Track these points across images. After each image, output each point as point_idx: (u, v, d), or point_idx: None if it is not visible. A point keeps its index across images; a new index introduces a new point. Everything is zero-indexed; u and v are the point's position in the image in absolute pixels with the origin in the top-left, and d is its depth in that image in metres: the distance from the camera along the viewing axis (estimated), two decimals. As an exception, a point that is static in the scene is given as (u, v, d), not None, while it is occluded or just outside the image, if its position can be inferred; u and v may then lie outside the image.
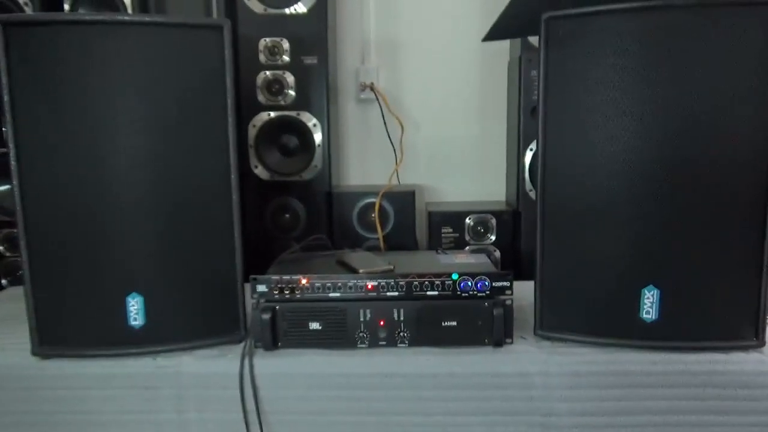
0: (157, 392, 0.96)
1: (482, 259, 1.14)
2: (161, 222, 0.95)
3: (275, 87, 1.78)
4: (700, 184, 0.90)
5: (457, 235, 1.83)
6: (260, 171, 1.81)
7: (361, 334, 1.00)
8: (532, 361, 0.96)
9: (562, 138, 0.96)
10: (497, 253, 1.83)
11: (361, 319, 0.99)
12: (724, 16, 0.86)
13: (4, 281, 1.65)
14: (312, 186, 1.82)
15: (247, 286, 1.01)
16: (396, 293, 1.00)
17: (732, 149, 0.89)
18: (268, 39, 1.77)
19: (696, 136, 0.89)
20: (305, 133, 1.80)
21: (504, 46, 2.04)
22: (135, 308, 0.96)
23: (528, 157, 1.79)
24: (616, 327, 0.96)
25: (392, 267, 1.04)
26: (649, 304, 0.94)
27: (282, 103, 1.79)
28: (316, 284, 0.99)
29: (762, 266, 0.91)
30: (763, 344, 0.94)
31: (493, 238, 1.83)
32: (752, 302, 0.93)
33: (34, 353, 0.97)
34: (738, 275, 0.92)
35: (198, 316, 0.99)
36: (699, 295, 0.93)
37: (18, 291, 0.97)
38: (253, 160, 1.80)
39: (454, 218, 1.83)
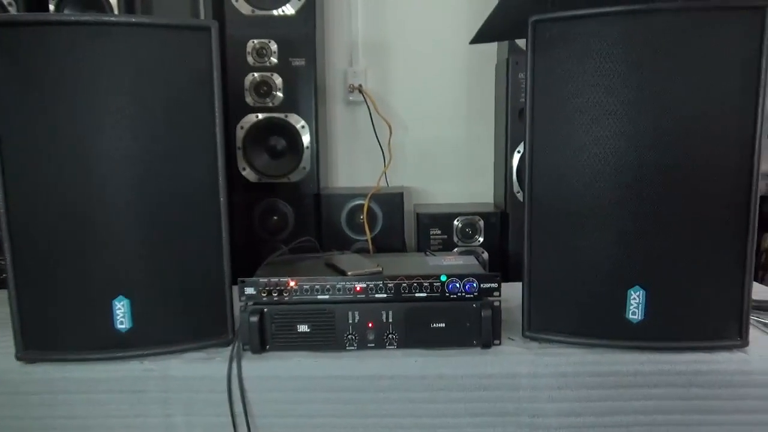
0: (144, 396, 0.96)
1: (470, 260, 1.14)
2: (148, 224, 0.94)
3: (263, 89, 1.78)
4: (685, 186, 0.91)
5: (446, 236, 1.83)
6: (248, 173, 1.81)
7: (349, 336, 1.00)
8: (520, 362, 0.96)
9: (549, 140, 0.96)
10: (485, 255, 1.84)
11: (350, 321, 0.99)
12: (707, 21, 0.87)
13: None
14: (300, 188, 1.82)
15: (235, 289, 1.00)
16: (384, 295, 1.00)
17: (716, 151, 0.90)
18: (256, 40, 1.76)
19: (681, 138, 0.90)
20: (293, 135, 1.80)
21: (492, 48, 2.06)
22: (121, 311, 0.95)
23: (515, 158, 1.80)
24: (603, 328, 0.97)
25: (381, 269, 1.04)
26: (636, 304, 0.95)
27: (270, 104, 1.79)
28: (305, 286, 0.99)
29: (745, 267, 0.93)
30: (746, 344, 0.95)
31: (481, 239, 1.84)
32: (736, 302, 0.94)
33: (19, 357, 0.96)
34: (722, 276, 0.93)
35: (185, 318, 0.99)
36: (684, 296, 0.94)
37: (2, 294, 0.96)
38: (241, 162, 1.80)
39: (443, 220, 1.83)
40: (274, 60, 1.77)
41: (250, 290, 0.99)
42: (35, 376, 0.95)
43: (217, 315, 1.00)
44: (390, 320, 0.99)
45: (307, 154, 1.80)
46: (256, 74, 1.77)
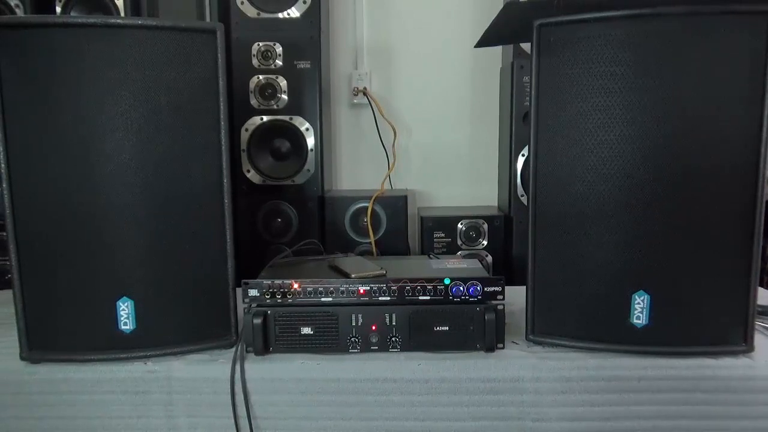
0: (147, 397, 0.96)
1: (474, 264, 1.14)
2: (152, 226, 0.95)
3: (268, 91, 1.78)
4: (690, 190, 0.91)
5: (449, 239, 1.83)
6: (252, 175, 1.81)
7: (352, 339, 0.99)
8: (524, 366, 0.96)
9: (553, 144, 0.96)
10: (489, 258, 1.84)
11: (353, 323, 0.99)
12: (712, 24, 0.87)
13: (-8, 285, 1.64)
14: (304, 190, 1.82)
15: (239, 291, 1.00)
16: (388, 298, 1.00)
17: (721, 155, 0.90)
18: (261, 43, 1.77)
19: (686, 143, 0.90)
20: (298, 138, 1.81)
21: (496, 52, 2.06)
22: (125, 312, 0.95)
23: (520, 162, 1.80)
24: (607, 332, 0.97)
25: (384, 272, 1.04)
26: (640, 309, 0.95)
27: (275, 107, 1.79)
28: (308, 289, 0.99)
29: (751, 271, 0.92)
30: (751, 349, 0.95)
31: (485, 243, 1.84)
32: (741, 307, 0.93)
33: (23, 358, 0.96)
34: (727, 281, 0.93)
35: (189, 320, 0.99)
36: (689, 301, 0.94)
37: (6, 295, 0.96)
38: (246, 165, 1.80)
39: (446, 223, 1.83)
40: (279, 63, 1.78)
41: (253, 292, 0.99)
42: (39, 377, 0.96)
43: (221, 317, 1.00)
44: (393, 323, 0.99)
45: (311, 157, 1.80)
46: (261, 77, 1.78)
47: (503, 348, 1.00)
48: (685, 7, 0.87)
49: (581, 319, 0.98)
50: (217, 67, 0.95)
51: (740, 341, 0.95)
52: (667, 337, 0.95)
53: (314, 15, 1.77)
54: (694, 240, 0.92)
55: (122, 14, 1.51)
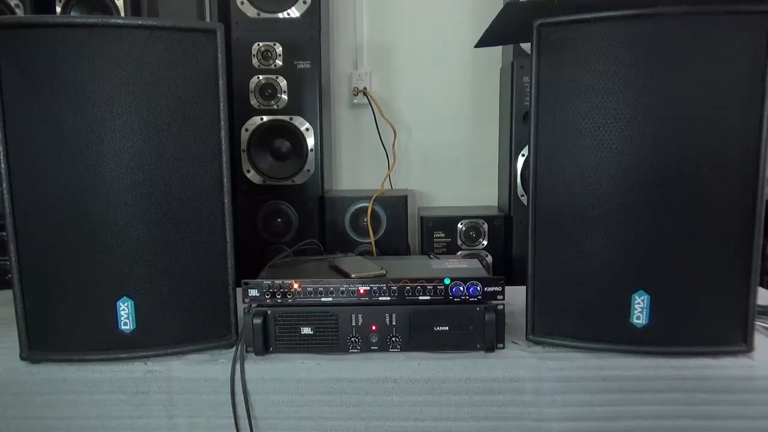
0: (147, 397, 0.96)
1: (474, 264, 1.14)
2: (152, 226, 0.95)
3: (268, 91, 1.78)
4: (689, 190, 0.91)
5: (449, 240, 1.83)
6: (252, 175, 1.81)
7: (352, 339, 0.99)
8: (524, 366, 0.96)
9: (553, 144, 0.96)
10: (489, 258, 1.84)
11: (353, 323, 0.99)
12: (711, 25, 0.87)
13: (-8, 285, 1.64)
14: (304, 190, 1.82)
15: (239, 291, 1.00)
16: (388, 298, 1.00)
17: (720, 156, 0.90)
18: (261, 43, 1.77)
19: (685, 143, 0.90)
20: (298, 138, 1.81)
21: (496, 52, 2.06)
22: (125, 312, 0.95)
23: (520, 162, 1.80)
24: (607, 332, 0.97)
25: (384, 272, 1.04)
26: (640, 309, 0.95)
27: (275, 107, 1.79)
28: (308, 289, 0.99)
29: (751, 271, 0.92)
30: (751, 349, 0.95)
31: (485, 243, 1.84)
32: (740, 307, 0.93)
33: (23, 358, 0.96)
34: (727, 280, 0.93)
35: (189, 320, 0.99)
36: (689, 301, 0.94)
37: (6, 295, 0.96)
38: (246, 165, 1.80)
39: (446, 223, 1.83)
40: (279, 63, 1.78)
41: (254, 292, 0.99)
42: (39, 376, 0.96)
43: (221, 317, 1.00)
44: (393, 323, 0.99)
45: (311, 157, 1.80)
46: (261, 77, 1.78)
47: (503, 348, 1.00)
48: (685, 7, 0.87)
49: (581, 319, 0.98)
50: (217, 67, 0.95)
51: (740, 341, 0.95)
52: (667, 337, 0.95)
53: (314, 15, 1.77)
54: (694, 240, 0.92)
55: (122, 14, 1.51)
